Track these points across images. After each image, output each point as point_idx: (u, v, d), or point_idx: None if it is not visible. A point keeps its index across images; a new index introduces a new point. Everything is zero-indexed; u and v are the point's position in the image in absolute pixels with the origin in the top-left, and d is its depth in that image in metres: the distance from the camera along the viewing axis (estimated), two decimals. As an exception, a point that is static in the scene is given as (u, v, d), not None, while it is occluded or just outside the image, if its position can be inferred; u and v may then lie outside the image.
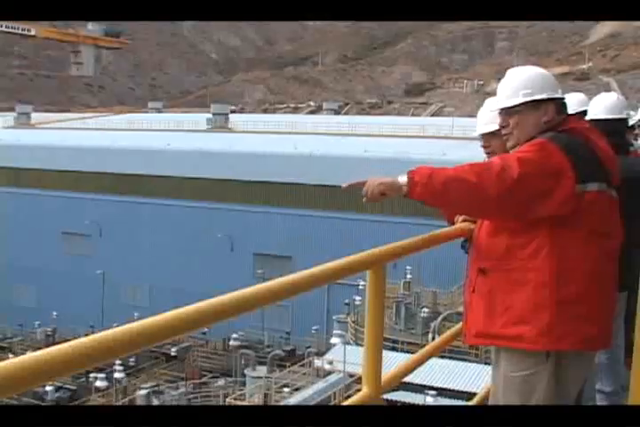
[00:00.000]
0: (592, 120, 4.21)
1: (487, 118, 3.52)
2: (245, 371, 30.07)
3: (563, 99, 3.16)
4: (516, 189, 2.81)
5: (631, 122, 5.39)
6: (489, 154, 3.52)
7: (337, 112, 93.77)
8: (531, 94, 3.08)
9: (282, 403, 23.22)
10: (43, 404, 31.29)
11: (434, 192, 2.82)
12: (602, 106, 4.50)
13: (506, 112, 3.16)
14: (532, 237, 2.93)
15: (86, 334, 1.58)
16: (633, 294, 4.50)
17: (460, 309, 24.17)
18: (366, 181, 2.92)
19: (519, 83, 3.12)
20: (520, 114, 3.12)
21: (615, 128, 4.36)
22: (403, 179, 2.86)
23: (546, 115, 3.08)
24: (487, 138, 3.57)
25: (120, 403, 29.67)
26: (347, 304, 36.18)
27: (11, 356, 33.68)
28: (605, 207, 2.99)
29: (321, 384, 24.65)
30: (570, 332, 2.90)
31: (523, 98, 3.09)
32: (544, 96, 3.08)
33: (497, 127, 3.41)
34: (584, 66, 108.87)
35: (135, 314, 33.22)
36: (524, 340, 2.93)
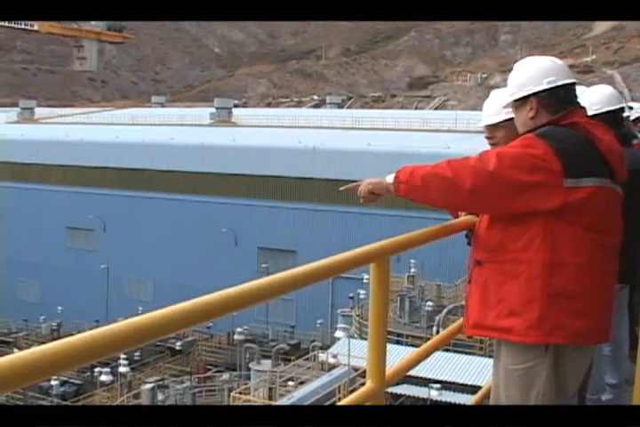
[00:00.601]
0: (593, 115, 4.10)
1: (492, 110, 3.52)
2: (250, 365, 30.12)
3: (556, 88, 3.07)
4: (491, 182, 2.83)
5: (636, 115, 5.36)
6: (493, 145, 3.51)
7: (340, 106, 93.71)
8: (513, 94, 3.13)
9: (286, 397, 23.24)
10: (48, 398, 31.44)
11: (415, 188, 2.93)
12: (599, 99, 4.42)
13: (513, 104, 3.20)
14: (526, 229, 2.93)
15: (91, 329, 1.59)
16: (637, 287, 4.49)
17: (464, 302, 24.27)
18: (360, 183, 3.11)
19: (510, 82, 3.16)
20: (516, 112, 3.18)
21: (616, 119, 4.31)
22: (390, 177, 3.00)
23: (531, 110, 3.08)
24: (491, 130, 3.57)
25: (125, 397, 29.75)
26: (351, 298, 36.23)
27: (16, 351, 33.78)
28: (604, 203, 2.95)
29: (325, 378, 24.69)
30: (561, 325, 2.88)
31: (509, 98, 3.14)
32: (521, 94, 3.09)
33: (501, 119, 3.42)
34: (588, 59, 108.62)
35: (139, 308, 33.27)
36: (514, 332, 2.93)
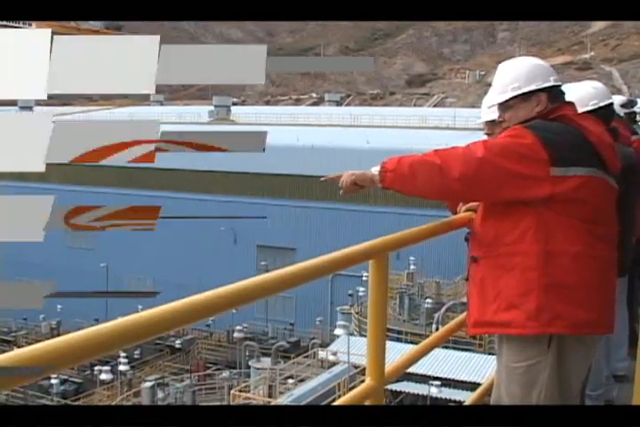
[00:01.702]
0: (590, 111, 4.06)
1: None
2: (250, 363, 30.11)
3: (557, 86, 3.14)
4: (479, 169, 2.83)
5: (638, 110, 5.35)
6: (492, 142, 3.52)
7: (339, 103, 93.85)
8: (519, 88, 3.10)
9: (286, 394, 23.27)
10: (48, 397, 31.44)
11: (402, 176, 2.90)
12: (593, 94, 4.37)
13: (500, 107, 3.19)
14: (518, 221, 2.93)
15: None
16: (636, 281, 4.48)
17: (464, 299, 24.21)
18: (342, 173, 3.05)
19: (508, 77, 3.15)
20: (513, 108, 3.14)
21: (608, 114, 4.28)
22: (375, 168, 2.97)
23: (538, 105, 3.09)
24: (490, 126, 3.58)
25: (125, 395, 29.77)
26: (350, 295, 36.24)
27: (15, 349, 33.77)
28: (596, 193, 2.95)
29: (325, 375, 24.70)
30: (560, 315, 2.87)
31: (512, 92, 3.12)
32: (532, 88, 3.09)
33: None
34: (586, 55, 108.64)
35: (139, 307, 33.21)
36: (513, 325, 2.92)
